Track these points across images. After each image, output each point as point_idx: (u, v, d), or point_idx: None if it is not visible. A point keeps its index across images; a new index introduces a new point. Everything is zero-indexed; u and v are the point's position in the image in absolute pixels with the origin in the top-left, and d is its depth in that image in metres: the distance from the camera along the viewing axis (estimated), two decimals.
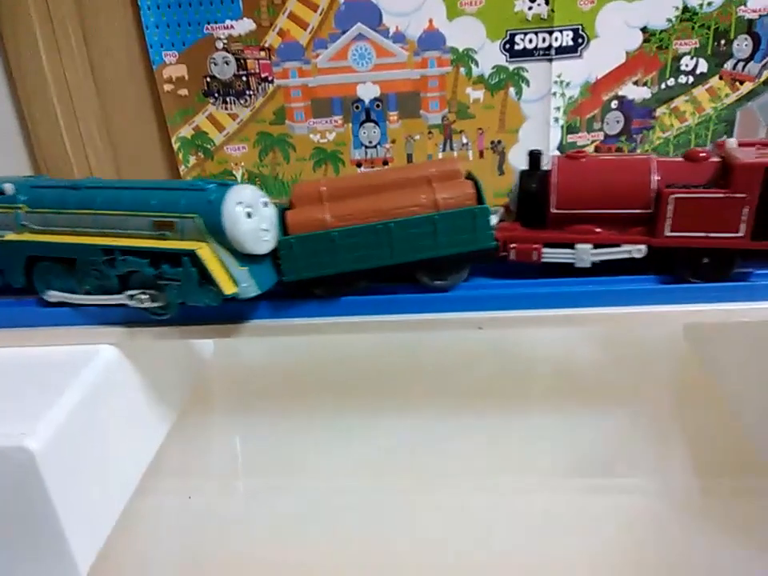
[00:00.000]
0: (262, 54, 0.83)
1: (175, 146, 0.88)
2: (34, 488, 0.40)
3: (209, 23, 0.81)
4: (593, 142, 0.87)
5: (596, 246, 0.48)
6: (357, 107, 0.86)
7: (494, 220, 0.50)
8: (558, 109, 0.84)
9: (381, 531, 0.51)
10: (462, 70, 0.83)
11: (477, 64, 0.82)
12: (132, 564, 0.48)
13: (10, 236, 0.50)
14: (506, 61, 0.82)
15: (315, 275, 0.47)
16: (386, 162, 0.89)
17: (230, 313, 0.49)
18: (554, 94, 0.83)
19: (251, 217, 0.45)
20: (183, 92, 0.85)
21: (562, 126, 0.85)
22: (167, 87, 0.85)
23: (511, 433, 0.61)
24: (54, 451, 0.40)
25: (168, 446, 0.56)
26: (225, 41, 0.82)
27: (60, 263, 0.49)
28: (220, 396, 0.67)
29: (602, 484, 0.55)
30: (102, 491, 0.47)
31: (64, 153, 0.84)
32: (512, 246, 0.50)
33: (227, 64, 0.84)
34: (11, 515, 0.41)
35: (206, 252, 0.44)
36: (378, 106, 0.85)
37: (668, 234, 0.47)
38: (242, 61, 0.83)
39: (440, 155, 0.88)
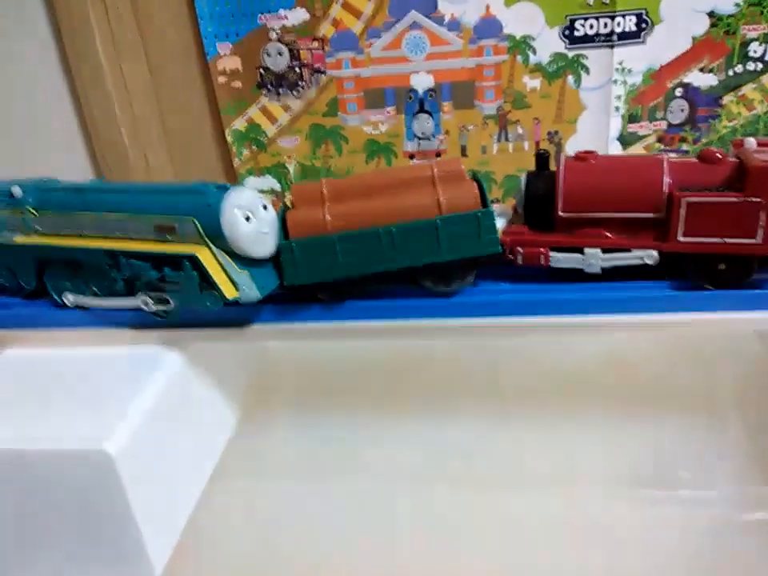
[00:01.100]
0: (315, 44, 0.82)
1: (229, 139, 0.88)
2: (112, 490, 0.40)
3: (262, 13, 0.81)
4: (655, 131, 0.83)
5: (605, 251, 0.46)
6: (410, 98, 0.84)
7: (501, 222, 0.49)
8: (619, 97, 0.81)
9: (441, 537, 0.50)
10: (518, 57, 0.81)
11: (534, 52, 0.80)
12: (200, 563, 0.48)
13: (20, 239, 0.51)
14: (565, 48, 0.79)
15: (317, 280, 0.46)
16: (438, 154, 0.88)
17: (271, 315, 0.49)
18: (615, 81, 0.80)
19: (250, 220, 0.44)
20: (237, 84, 0.85)
21: (623, 116, 0.82)
22: (221, 79, 0.85)
23: (561, 439, 0.58)
24: (131, 454, 0.40)
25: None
26: (278, 31, 0.82)
27: (69, 265, 0.49)
28: (274, 397, 0.66)
29: (658, 495, 0.53)
30: (174, 492, 0.47)
31: (121, 145, 0.85)
32: (519, 249, 0.48)
33: (280, 55, 0.83)
34: (89, 516, 0.42)
35: (206, 255, 0.44)
36: (431, 96, 0.84)
37: (681, 239, 0.44)
38: (295, 52, 0.83)
39: (495, 146, 0.86)
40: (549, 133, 0.84)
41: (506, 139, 0.85)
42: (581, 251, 0.47)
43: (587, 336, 0.57)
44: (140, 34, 0.83)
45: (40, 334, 0.50)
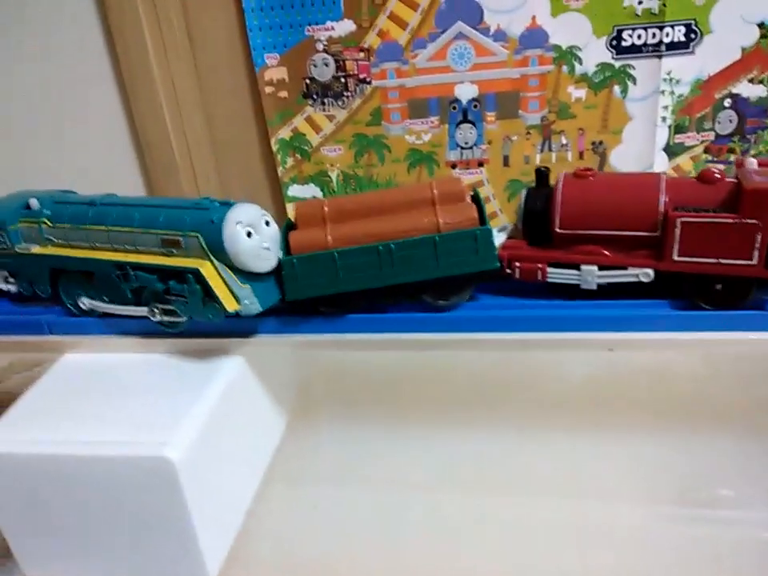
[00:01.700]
0: (361, 54, 0.83)
1: (274, 148, 0.89)
2: (172, 495, 0.41)
3: (309, 25, 0.82)
4: (702, 142, 0.82)
5: (602, 268, 0.46)
6: (454, 108, 0.85)
7: (503, 237, 0.50)
8: (666, 108, 0.80)
9: (484, 546, 0.49)
10: (564, 68, 0.80)
11: (580, 62, 0.80)
12: (248, 568, 0.48)
13: (36, 249, 0.53)
14: (612, 58, 0.79)
15: (317, 294, 0.47)
16: (481, 164, 0.88)
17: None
18: (663, 92, 0.80)
19: (252, 236, 0.45)
20: (283, 94, 0.86)
21: (670, 126, 0.81)
22: (268, 89, 0.86)
23: (600, 455, 0.58)
24: (191, 460, 0.41)
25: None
26: (325, 42, 0.83)
27: (82, 275, 0.51)
28: (315, 404, 0.67)
29: (703, 514, 0.52)
30: (228, 498, 0.48)
31: (170, 153, 0.86)
32: (516, 264, 0.48)
33: (326, 66, 0.84)
34: (146, 520, 0.42)
35: (208, 270, 0.45)
36: (475, 106, 0.84)
37: (676, 258, 0.44)
38: (340, 62, 0.84)
39: (538, 156, 0.86)
40: (593, 143, 0.84)
41: (550, 149, 0.85)
42: (578, 267, 0.47)
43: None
44: (190, 46, 0.85)
45: (97, 341, 0.51)
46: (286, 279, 0.47)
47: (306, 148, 0.89)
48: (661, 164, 0.82)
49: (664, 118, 0.81)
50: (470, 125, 0.85)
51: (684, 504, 0.52)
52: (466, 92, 0.83)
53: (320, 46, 0.83)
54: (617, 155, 0.84)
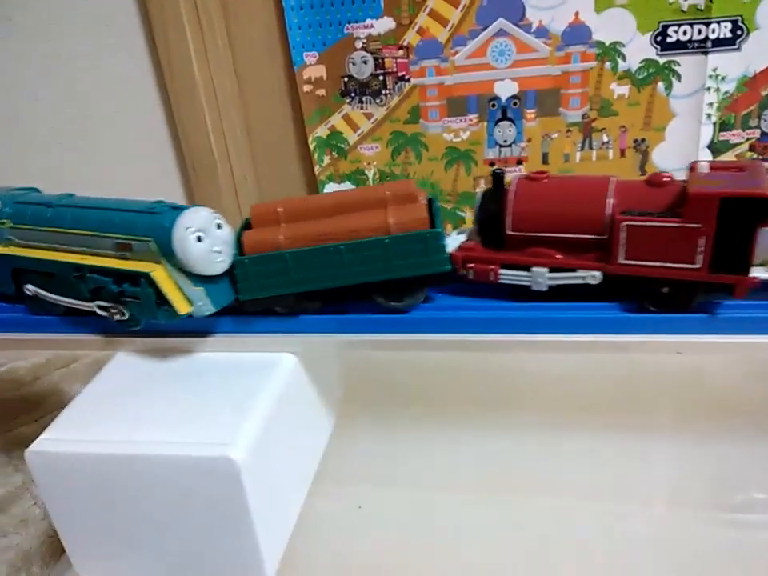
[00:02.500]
0: (400, 52, 0.83)
1: (311, 146, 0.89)
2: (234, 495, 0.40)
3: (349, 23, 0.82)
4: (748, 139, 0.81)
5: (552, 270, 0.46)
6: (493, 105, 0.84)
7: (462, 238, 0.50)
8: (711, 105, 0.79)
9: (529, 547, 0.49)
10: (607, 64, 0.79)
11: (624, 58, 0.79)
12: (299, 567, 0.48)
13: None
14: (657, 54, 0.78)
15: (270, 294, 0.47)
16: (519, 162, 0.87)
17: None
18: (708, 88, 0.78)
19: (202, 240, 0.45)
20: (321, 92, 0.86)
21: (715, 123, 0.80)
22: (306, 88, 0.86)
23: (632, 456, 0.56)
24: (253, 461, 0.41)
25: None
26: (364, 40, 0.82)
27: (43, 275, 0.51)
28: (358, 404, 0.67)
29: (739, 518, 0.50)
30: (284, 498, 0.47)
31: (209, 152, 0.87)
32: (470, 265, 0.49)
33: (365, 63, 0.84)
34: (206, 520, 0.42)
35: (160, 274, 0.45)
36: (515, 103, 0.83)
37: (622, 261, 0.44)
38: (379, 60, 0.83)
39: (578, 154, 0.85)
40: (635, 141, 0.83)
41: (590, 147, 0.84)
42: (529, 269, 0.47)
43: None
44: (230, 44, 0.85)
45: (150, 340, 0.51)
46: (238, 279, 0.47)
47: (343, 146, 0.89)
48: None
49: (709, 115, 0.80)
50: (509, 122, 0.84)
51: (717, 507, 0.51)
52: (505, 89, 0.82)
53: (359, 44, 0.83)
54: (659, 153, 0.82)
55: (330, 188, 0.92)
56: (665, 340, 0.45)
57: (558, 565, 0.48)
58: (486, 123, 0.85)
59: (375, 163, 0.89)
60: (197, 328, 0.50)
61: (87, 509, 0.44)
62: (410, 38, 0.82)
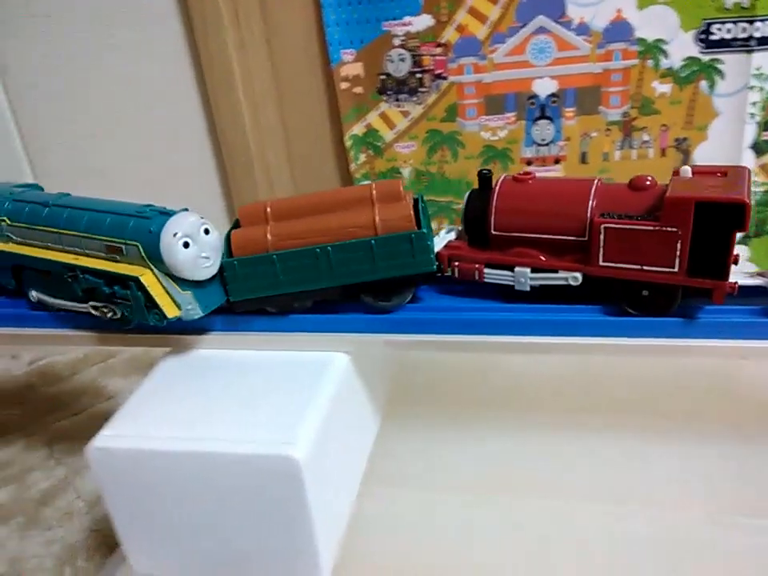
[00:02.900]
0: (438, 50, 0.82)
1: (347, 144, 0.88)
2: (294, 494, 0.40)
3: (387, 20, 0.81)
4: None
5: (535, 270, 0.47)
6: (532, 103, 0.83)
7: (451, 236, 0.51)
8: (755, 104, 0.78)
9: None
10: (649, 62, 0.78)
11: (666, 56, 0.78)
12: (348, 566, 0.48)
13: None
14: (700, 52, 0.77)
15: (259, 295, 0.48)
16: (557, 161, 0.86)
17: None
18: (752, 87, 0.77)
19: (189, 246, 0.45)
20: (358, 90, 0.86)
21: (758, 123, 0.79)
22: (343, 85, 0.86)
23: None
24: (313, 459, 0.40)
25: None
26: (402, 38, 0.82)
27: (41, 272, 0.52)
28: (404, 404, 0.66)
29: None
30: (339, 498, 0.47)
31: (246, 148, 0.87)
32: (455, 264, 0.49)
33: (402, 61, 0.84)
34: (265, 518, 0.42)
35: (148, 278, 0.46)
36: (554, 101, 0.82)
37: (602, 263, 0.45)
38: (417, 58, 0.83)
39: (617, 153, 0.84)
40: (677, 140, 0.82)
41: (630, 146, 0.83)
42: (512, 269, 0.48)
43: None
44: (267, 41, 0.85)
45: (201, 337, 0.52)
46: (228, 280, 0.48)
47: (379, 144, 0.89)
48: (748, 161, 0.80)
49: (752, 115, 0.78)
50: (548, 121, 0.84)
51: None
52: (544, 87, 0.82)
53: (397, 42, 0.83)
54: (701, 152, 0.81)
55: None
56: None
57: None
58: (524, 121, 0.84)
59: (411, 161, 0.89)
60: (246, 327, 0.51)
61: (145, 504, 0.44)
62: (449, 35, 0.81)
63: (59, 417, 0.79)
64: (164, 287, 0.46)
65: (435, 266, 0.47)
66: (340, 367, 0.48)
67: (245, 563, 0.44)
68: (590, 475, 0.55)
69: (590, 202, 0.45)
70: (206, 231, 0.47)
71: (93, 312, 0.50)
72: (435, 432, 0.61)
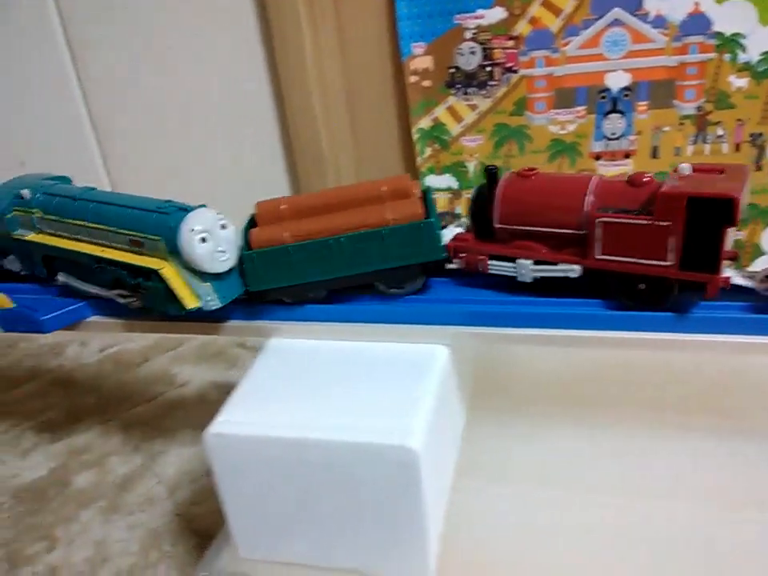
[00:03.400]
0: (510, 43, 0.82)
1: (415, 137, 0.89)
2: (409, 484, 0.41)
3: (459, 13, 0.81)
4: None
5: (537, 262, 0.49)
6: (603, 97, 0.83)
7: (460, 229, 0.53)
8: None
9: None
10: (726, 56, 0.77)
11: (744, 50, 0.76)
12: (450, 559, 0.48)
13: (29, 236, 0.57)
14: None
15: (276, 285, 0.50)
16: (627, 155, 0.85)
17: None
18: None
19: (206, 241, 0.48)
20: (427, 83, 0.86)
21: None
22: (413, 79, 0.86)
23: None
24: (426, 450, 0.41)
25: None
26: (474, 30, 0.82)
27: (70, 262, 0.56)
28: (486, 397, 0.66)
29: None
30: (442, 490, 0.48)
31: (317, 140, 0.88)
32: (461, 255, 0.52)
33: (473, 54, 0.84)
34: (376, 507, 0.42)
35: (168, 271, 0.49)
36: (626, 95, 0.82)
37: (599, 256, 0.46)
38: (488, 51, 0.83)
39: (690, 148, 0.83)
40: (752, 135, 0.80)
41: (704, 141, 0.82)
42: (514, 261, 0.50)
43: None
44: (339, 33, 0.86)
45: (304, 327, 0.52)
46: (247, 272, 0.50)
47: (445, 138, 0.89)
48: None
49: None
50: (619, 114, 0.83)
51: None
52: (617, 80, 0.81)
53: (468, 35, 0.83)
54: None
55: (430, 180, 0.92)
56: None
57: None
58: (593, 115, 0.84)
59: (477, 155, 0.89)
60: (345, 317, 0.51)
61: (258, 490, 0.44)
62: (521, 28, 0.81)
63: (133, 403, 0.80)
64: (184, 279, 0.49)
65: (444, 254, 0.50)
66: (442, 360, 0.48)
67: (353, 550, 0.45)
68: (676, 474, 0.54)
69: (588, 197, 0.47)
70: (223, 226, 0.49)
71: (119, 300, 0.53)
72: (511, 427, 0.61)
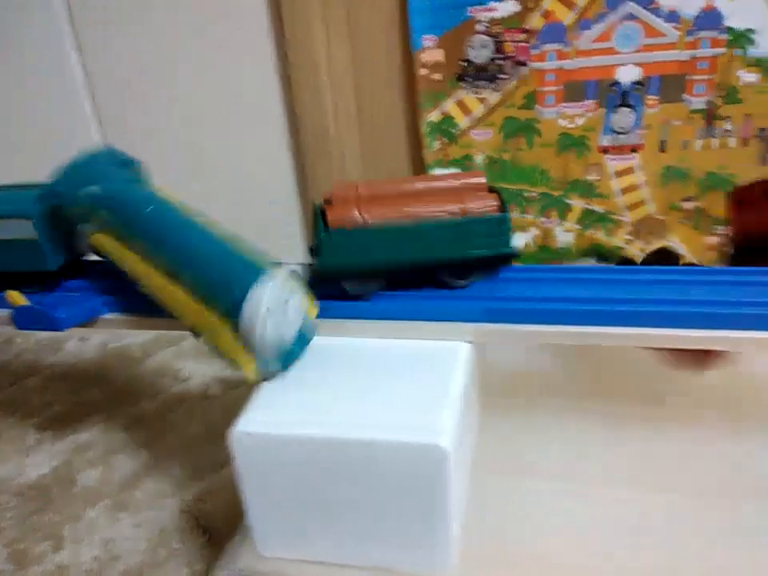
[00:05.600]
0: (522, 36, 0.82)
1: (423, 130, 0.88)
2: (437, 482, 0.40)
3: (472, 6, 0.81)
4: None
5: None
6: (613, 91, 0.83)
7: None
8: None
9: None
10: (736, 51, 0.78)
11: (755, 45, 0.77)
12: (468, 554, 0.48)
13: (94, 236, 0.53)
14: None
15: (349, 265, 0.50)
16: (634, 150, 0.86)
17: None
18: None
19: (270, 314, 0.43)
20: (437, 76, 0.86)
21: None
22: (422, 71, 0.85)
23: None
24: (454, 449, 0.40)
25: None
26: (486, 23, 0.82)
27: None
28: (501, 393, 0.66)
29: None
30: (463, 487, 0.47)
31: (324, 131, 0.87)
32: None
33: (484, 47, 0.83)
34: (404, 504, 0.41)
35: (224, 339, 0.44)
36: (636, 89, 0.82)
37: None
38: (499, 44, 0.83)
39: (698, 142, 0.84)
40: (761, 130, 0.81)
41: (712, 135, 0.83)
42: None
43: None
44: (349, 25, 0.85)
45: (326, 324, 0.51)
46: (323, 249, 0.49)
47: (454, 131, 0.88)
48: None
49: None
50: (629, 108, 0.83)
51: None
52: (628, 74, 0.81)
53: (480, 28, 0.82)
54: None
55: (437, 173, 0.91)
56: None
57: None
58: (603, 109, 0.84)
59: (485, 149, 0.89)
60: (369, 314, 0.51)
61: (283, 488, 0.43)
62: (534, 21, 0.81)
63: (137, 399, 0.78)
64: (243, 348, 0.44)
65: (513, 249, 0.51)
66: (465, 356, 0.48)
67: (376, 548, 0.44)
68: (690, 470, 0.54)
69: None
70: (286, 301, 0.45)
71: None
72: (522, 421, 0.60)
